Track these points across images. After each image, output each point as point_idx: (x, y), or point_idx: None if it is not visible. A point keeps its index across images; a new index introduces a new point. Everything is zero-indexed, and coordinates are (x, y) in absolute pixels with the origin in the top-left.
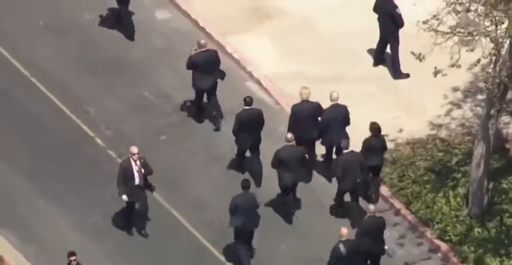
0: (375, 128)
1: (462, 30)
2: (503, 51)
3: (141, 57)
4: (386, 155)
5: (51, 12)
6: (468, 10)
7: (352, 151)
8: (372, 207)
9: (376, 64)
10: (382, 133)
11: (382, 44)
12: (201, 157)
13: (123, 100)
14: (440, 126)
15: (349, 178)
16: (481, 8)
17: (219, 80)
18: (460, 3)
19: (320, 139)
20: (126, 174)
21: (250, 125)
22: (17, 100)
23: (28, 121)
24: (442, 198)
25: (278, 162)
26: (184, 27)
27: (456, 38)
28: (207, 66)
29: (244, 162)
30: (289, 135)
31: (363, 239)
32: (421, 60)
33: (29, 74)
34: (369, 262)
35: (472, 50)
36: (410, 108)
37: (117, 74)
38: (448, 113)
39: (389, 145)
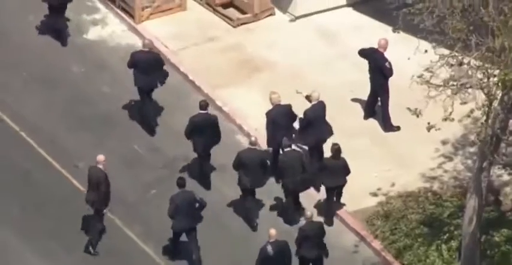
0: (335, 149)
1: (455, 83)
2: (495, 103)
3: (130, 111)
4: (378, 208)
5: (39, 65)
6: (461, 63)
7: (293, 149)
8: (308, 212)
9: (366, 117)
10: (374, 186)
11: (372, 97)
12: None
13: (113, 154)
14: (432, 178)
15: (289, 177)
16: (473, 61)
17: None
18: (453, 56)
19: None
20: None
21: (203, 129)
22: (6, 155)
23: (18, 176)
24: (434, 252)
25: (239, 165)
26: (173, 81)
27: (449, 91)
28: (146, 66)
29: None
30: (253, 138)
31: (303, 246)
32: (418, 116)
33: (18, 128)
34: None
35: (465, 103)
36: (401, 161)
37: (107, 127)
38: (439, 166)
39: (381, 198)
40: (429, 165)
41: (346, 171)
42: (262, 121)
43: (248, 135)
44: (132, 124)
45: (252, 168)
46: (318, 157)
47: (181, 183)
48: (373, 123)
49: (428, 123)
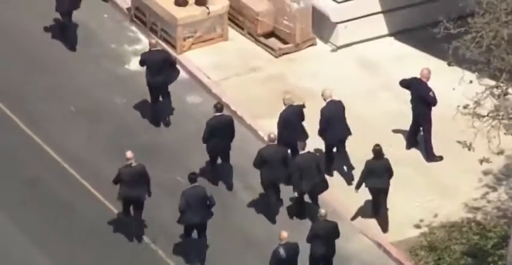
0: (376, 150)
1: (501, 114)
2: None
3: (173, 141)
4: (422, 239)
5: (82, 97)
6: (506, 94)
7: (308, 152)
8: (323, 211)
9: (409, 147)
10: (417, 216)
11: (415, 127)
12: (237, 239)
13: (157, 184)
14: (475, 209)
15: (306, 179)
16: None
17: None
18: (497, 87)
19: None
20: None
21: (220, 131)
22: (50, 187)
23: (62, 208)
24: None
25: (261, 162)
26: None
27: (494, 122)
28: (156, 65)
29: (217, 169)
30: (272, 135)
31: (315, 244)
32: (469, 149)
33: (61, 160)
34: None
35: (510, 134)
36: (444, 191)
37: (150, 158)
38: (483, 196)
39: (424, 229)
40: (472, 195)
41: (390, 172)
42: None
43: None
44: (174, 154)
45: (273, 164)
46: (341, 157)
47: (193, 178)
48: (415, 153)
49: (484, 158)
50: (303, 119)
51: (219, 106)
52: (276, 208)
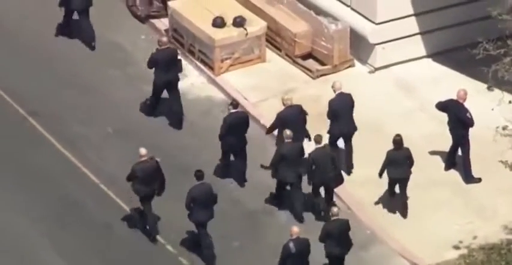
0: (397, 140)
1: None
2: None
3: (210, 163)
4: (461, 261)
5: (119, 118)
6: None
7: (323, 146)
8: (335, 209)
9: (447, 168)
10: (456, 238)
11: (453, 148)
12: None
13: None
14: None
15: (321, 173)
16: None
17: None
18: None
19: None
20: None
21: (237, 128)
22: (87, 207)
23: (98, 229)
24: None
25: (281, 159)
26: (254, 133)
27: None
28: (167, 63)
29: (230, 165)
30: (288, 132)
31: (328, 243)
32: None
33: (98, 181)
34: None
35: None
36: (483, 212)
37: (187, 179)
38: None
39: (463, 251)
40: (511, 216)
41: (410, 162)
42: (344, 174)
43: None
44: (211, 176)
45: (292, 160)
46: (346, 151)
47: (199, 175)
48: (454, 174)
49: None
50: (305, 119)
51: (235, 103)
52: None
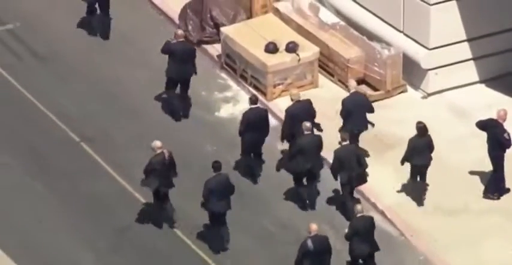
0: (420, 127)
1: None
2: None
3: (262, 186)
4: None
5: (172, 144)
6: None
7: (349, 143)
8: (359, 206)
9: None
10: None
11: (500, 174)
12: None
13: (244, 231)
14: None
15: (346, 171)
16: None
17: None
18: None
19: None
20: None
21: (256, 124)
22: (140, 234)
23: (152, 255)
24: None
25: (299, 151)
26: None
27: None
28: (182, 56)
29: (250, 162)
30: (308, 124)
31: (356, 241)
32: None
33: None
34: (361, 261)
35: None
36: None
37: (238, 202)
38: None
39: None
40: None
41: (431, 148)
42: (396, 199)
43: (383, 213)
44: (263, 199)
45: (310, 152)
46: None
47: (217, 166)
48: (506, 200)
49: None
50: (314, 115)
51: (254, 98)
52: (308, 198)
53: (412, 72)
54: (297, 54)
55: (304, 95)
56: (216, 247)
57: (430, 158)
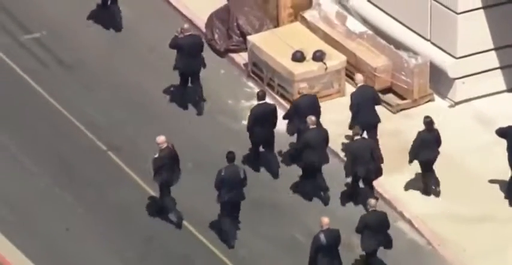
0: (428, 122)
1: None
2: None
3: (290, 199)
4: None
5: (199, 153)
6: None
7: (363, 138)
8: (373, 201)
9: None
10: None
11: None
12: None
13: (271, 241)
14: None
15: (361, 165)
16: None
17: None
18: None
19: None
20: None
21: (264, 119)
22: (167, 243)
23: (178, 262)
24: None
25: (305, 145)
26: (334, 167)
27: None
28: (190, 50)
29: (259, 157)
30: (313, 118)
31: (365, 234)
32: None
33: None
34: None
35: None
36: None
37: (265, 214)
38: None
39: None
40: None
41: (439, 143)
42: (423, 208)
43: (410, 222)
44: (290, 210)
45: (317, 146)
46: None
47: (231, 157)
48: None
49: None
50: (319, 110)
51: (261, 94)
52: (317, 193)
53: (439, 81)
54: (324, 63)
55: (331, 103)
56: (228, 239)
57: (438, 152)
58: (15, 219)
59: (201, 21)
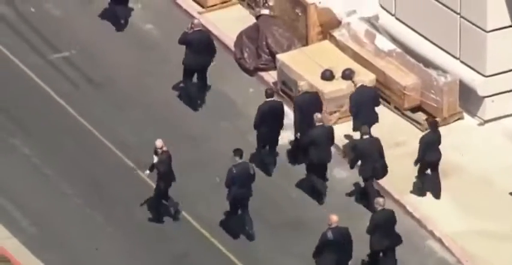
0: (432, 122)
1: None
2: None
3: (319, 217)
4: None
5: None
6: None
7: (371, 136)
8: (381, 200)
9: None
10: None
11: None
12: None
13: (302, 260)
14: None
15: (368, 164)
16: None
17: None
18: None
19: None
20: None
21: (271, 117)
22: (198, 261)
23: None
24: None
25: (311, 142)
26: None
27: None
28: (198, 45)
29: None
30: (319, 115)
31: (375, 234)
32: None
33: (209, 235)
34: (381, 254)
35: None
36: None
37: (296, 234)
38: None
39: None
40: None
41: (440, 142)
42: (453, 227)
43: (440, 241)
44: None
45: (321, 143)
46: None
47: (240, 154)
48: None
49: None
50: (321, 107)
51: (269, 91)
52: (323, 189)
53: (468, 99)
54: (353, 81)
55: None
56: (236, 234)
57: (441, 153)
58: (47, 238)
59: (229, 40)
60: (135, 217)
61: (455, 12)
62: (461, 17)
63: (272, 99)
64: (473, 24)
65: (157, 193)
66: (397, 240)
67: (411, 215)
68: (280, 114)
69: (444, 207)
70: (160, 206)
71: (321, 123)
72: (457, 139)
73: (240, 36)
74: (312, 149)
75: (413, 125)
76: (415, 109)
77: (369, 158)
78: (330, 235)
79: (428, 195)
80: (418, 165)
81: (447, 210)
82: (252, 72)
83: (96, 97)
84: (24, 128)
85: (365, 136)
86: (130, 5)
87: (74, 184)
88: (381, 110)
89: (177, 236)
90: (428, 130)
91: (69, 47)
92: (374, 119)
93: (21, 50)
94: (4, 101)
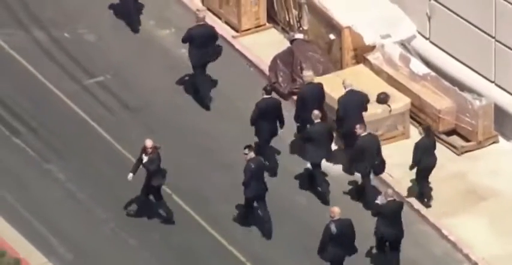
0: (426, 128)
1: None
2: None
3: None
4: None
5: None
6: None
7: (369, 133)
8: (390, 191)
9: None
10: None
11: None
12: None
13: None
14: None
15: (367, 160)
16: None
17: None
18: None
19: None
20: None
21: (268, 114)
22: None
23: None
24: None
25: (308, 138)
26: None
27: None
28: (202, 40)
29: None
30: (317, 112)
31: (383, 224)
32: None
33: (245, 259)
34: (387, 244)
35: None
36: None
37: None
38: None
39: None
40: None
41: (435, 147)
42: (489, 251)
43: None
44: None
45: (320, 140)
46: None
47: (253, 148)
48: None
49: None
50: (323, 98)
51: (269, 88)
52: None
53: (503, 123)
54: (388, 105)
55: (395, 146)
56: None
57: (436, 158)
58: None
59: (263, 64)
60: (170, 242)
61: (490, 35)
62: (496, 40)
63: (270, 96)
64: (508, 47)
65: (144, 193)
66: (401, 232)
67: (447, 239)
68: (278, 112)
69: (480, 230)
70: (150, 203)
71: (319, 120)
72: (493, 163)
73: (274, 61)
74: (311, 147)
75: (449, 148)
76: (450, 132)
77: (368, 154)
78: (333, 228)
79: (464, 218)
80: (416, 172)
81: (483, 234)
82: (286, 96)
83: (132, 122)
84: (59, 153)
85: (363, 134)
86: (166, 31)
87: (109, 209)
88: (416, 133)
89: (213, 261)
90: (423, 135)
91: (104, 71)
92: (359, 123)
93: (55, 76)
94: (39, 126)
